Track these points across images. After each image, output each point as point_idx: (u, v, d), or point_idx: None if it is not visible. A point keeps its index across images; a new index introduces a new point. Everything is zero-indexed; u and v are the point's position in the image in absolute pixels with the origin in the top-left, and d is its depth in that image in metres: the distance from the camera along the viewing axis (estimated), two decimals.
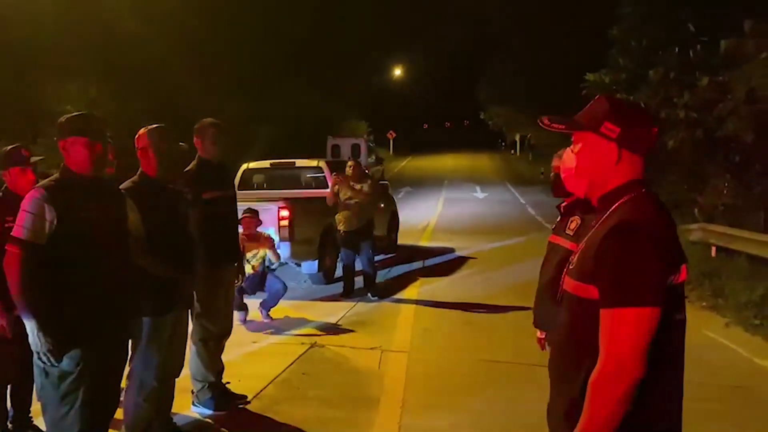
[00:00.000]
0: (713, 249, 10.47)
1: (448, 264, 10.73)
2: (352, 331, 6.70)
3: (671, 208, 15.06)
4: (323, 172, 9.67)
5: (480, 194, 24.55)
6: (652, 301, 1.57)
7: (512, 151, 44.62)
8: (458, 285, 9.14)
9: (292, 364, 5.55)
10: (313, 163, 10.22)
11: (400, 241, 12.28)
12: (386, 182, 12.35)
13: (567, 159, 1.87)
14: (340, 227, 8.17)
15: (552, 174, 3.27)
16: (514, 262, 11.17)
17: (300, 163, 10.16)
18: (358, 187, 8.07)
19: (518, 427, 4.29)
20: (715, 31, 11.15)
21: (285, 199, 8.54)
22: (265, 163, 10.16)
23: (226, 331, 4.55)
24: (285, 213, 8.36)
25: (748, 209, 12.63)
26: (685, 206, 15.05)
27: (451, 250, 12.07)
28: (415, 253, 11.84)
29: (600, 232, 1.68)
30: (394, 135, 44.40)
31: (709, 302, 8.03)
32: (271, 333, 6.61)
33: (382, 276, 9.63)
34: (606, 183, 1.77)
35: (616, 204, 1.73)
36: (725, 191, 14.40)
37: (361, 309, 7.63)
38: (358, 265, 8.33)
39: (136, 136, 3.66)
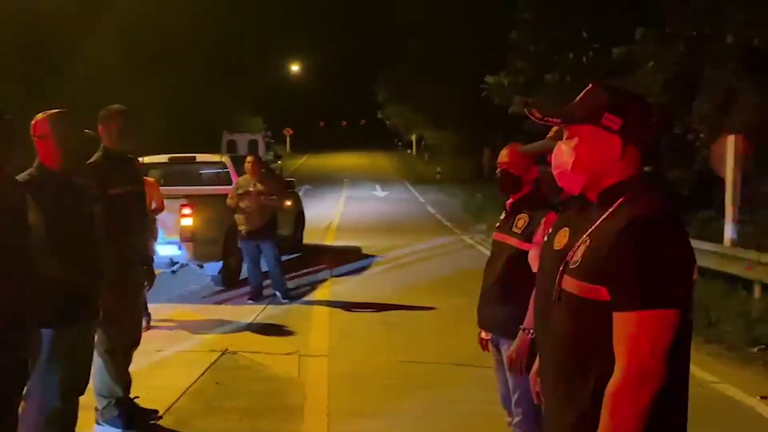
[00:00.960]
0: None
1: (357, 263, 10.57)
2: (264, 335, 6.38)
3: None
4: (227, 168, 9.20)
5: (380, 193, 24.61)
6: (678, 302, 1.47)
7: (408, 151, 45.22)
8: (369, 284, 9.01)
9: (203, 373, 5.18)
10: (216, 158, 9.73)
11: (304, 241, 11.99)
12: (293, 179, 12.00)
13: (560, 154, 1.72)
14: (241, 227, 7.74)
15: (498, 170, 3.16)
16: (421, 260, 11.22)
17: (201, 158, 9.62)
18: (259, 185, 7.64)
19: (457, 429, 4.20)
20: (608, 38, 11.69)
21: (187, 197, 8.04)
22: (162, 158, 9.53)
23: (135, 341, 4.14)
24: (187, 211, 7.87)
25: None
26: None
27: (358, 249, 11.93)
28: (322, 252, 11.61)
29: (610, 229, 1.55)
30: (291, 132, 43.75)
31: None
32: (177, 340, 6.16)
33: (289, 276, 9.35)
34: (607, 178, 1.65)
35: (621, 199, 1.61)
36: None
37: (272, 312, 7.31)
38: (264, 266, 7.97)
39: (33, 122, 3.20)
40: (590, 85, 1.71)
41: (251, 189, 7.62)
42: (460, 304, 7.78)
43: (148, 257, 4.27)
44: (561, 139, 2.36)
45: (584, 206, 2.27)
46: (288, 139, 43.89)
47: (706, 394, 4.79)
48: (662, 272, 1.47)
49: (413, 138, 42.05)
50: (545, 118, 1.71)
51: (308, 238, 12.24)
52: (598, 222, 1.62)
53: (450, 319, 7.19)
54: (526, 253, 2.99)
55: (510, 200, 3.16)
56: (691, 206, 10.57)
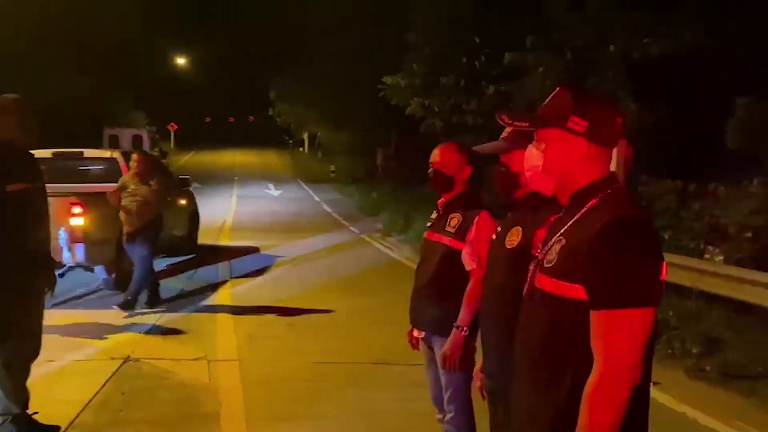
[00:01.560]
0: None
1: (256, 264, 10.32)
2: (167, 341, 6.08)
3: None
4: (119, 165, 8.68)
5: (274, 191, 24.21)
6: (653, 300, 1.53)
7: (300, 149, 44.81)
8: (272, 285, 8.83)
9: (106, 383, 4.85)
10: (107, 153, 9.15)
11: (198, 241, 11.56)
12: (188, 177, 11.51)
13: (531, 157, 1.77)
14: (125, 228, 7.25)
15: (430, 170, 3.18)
16: (322, 259, 11.15)
17: (90, 153, 9.01)
18: (151, 183, 7.21)
19: (383, 429, 4.20)
20: (500, 45, 12.17)
21: (77, 195, 7.50)
22: (46, 153, 8.82)
23: (35, 352, 3.79)
24: (78, 210, 7.35)
25: None
26: None
27: (256, 249, 11.66)
28: (218, 253, 11.23)
29: (586, 229, 1.59)
30: (176, 127, 42.05)
31: None
32: (71, 349, 5.73)
33: (186, 278, 8.98)
34: (577, 179, 1.70)
35: (594, 200, 1.66)
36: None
37: (172, 316, 6.98)
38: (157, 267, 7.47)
39: None
40: (557, 88, 1.75)
41: (133, 187, 7.18)
42: (367, 304, 7.83)
43: (50, 260, 3.93)
44: (512, 141, 2.43)
45: (537, 206, 2.35)
46: (172, 134, 42.15)
47: None
48: (640, 272, 1.53)
49: (305, 136, 41.74)
50: (513, 122, 1.75)
51: (202, 239, 11.82)
52: (571, 222, 1.67)
53: (358, 318, 7.19)
54: (459, 252, 3.03)
55: (442, 200, 3.20)
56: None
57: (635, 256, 1.53)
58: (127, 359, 5.40)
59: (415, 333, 3.28)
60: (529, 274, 1.76)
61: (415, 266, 11.21)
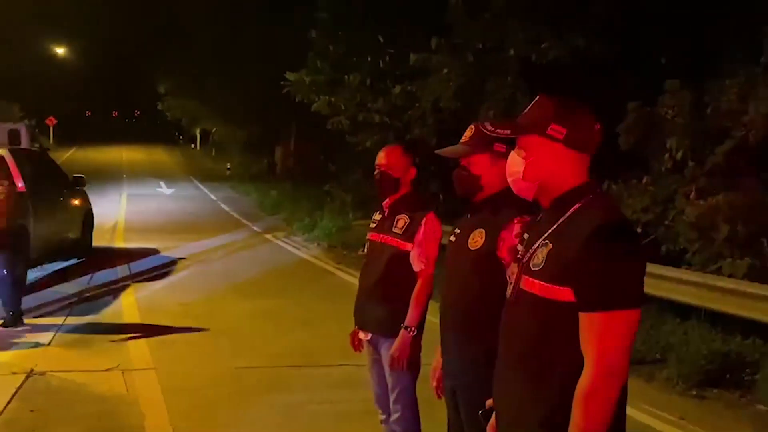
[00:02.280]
0: None
1: (158, 266, 9.88)
2: (74, 352, 5.70)
3: (357, 205, 16.40)
4: (6, 165, 7.99)
5: (166, 190, 23.24)
6: (639, 302, 1.61)
7: (192, 145, 43.26)
8: (178, 288, 8.49)
9: (10, 400, 4.48)
10: None
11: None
12: (81, 176, 10.80)
13: (513, 163, 1.82)
14: None
15: (376, 172, 3.18)
16: (227, 260, 10.87)
17: None
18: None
19: None
20: (404, 45, 12.32)
21: None
22: None
23: None
24: None
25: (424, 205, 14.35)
26: (370, 202, 16.45)
27: (155, 251, 11.16)
28: (115, 255, 10.65)
29: (573, 233, 1.65)
30: (55, 122, 39.33)
31: None
32: None
33: (84, 283, 8.44)
34: (558, 185, 1.75)
35: (576, 205, 1.72)
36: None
37: (75, 325, 6.54)
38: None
39: None
40: (538, 96, 1.81)
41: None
42: (281, 305, 7.72)
43: None
44: (473, 144, 2.47)
45: (498, 208, 2.41)
46: (51, 129, 39.39)
47: None
48: (628, 275, 1.60)
49: (197, 132, 40.33)
50: (496, 130, 1.79)
51: (95, 241, 11.17)
52: (555, 227, 1.72)
53: (273, 320, 7.08)
54: (407, 252, 3.06)
55: (388, 201, 3.21)
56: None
57: (624, 259, 1.61)
58: (30, 373, 5.01)
59: (361, 335, 3.27)
60: (513, 278, 1.81)
61: (324, 265, 11.28)
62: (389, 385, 3.16)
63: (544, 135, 1.74)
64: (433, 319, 3.13)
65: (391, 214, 3.17)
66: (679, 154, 8.13)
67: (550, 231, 1.72)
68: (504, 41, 11.05)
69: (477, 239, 2.38)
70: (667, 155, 8.30)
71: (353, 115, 13.04)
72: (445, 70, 11.51)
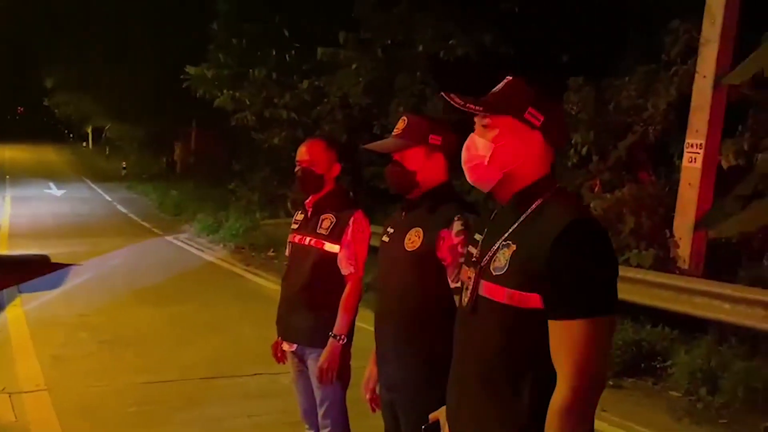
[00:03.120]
0: None
1: (49, 274, 9.08)
2: None
3: (264, 204, 15.96)
4: None
5: (56, 191, 21.67)
6: (615, 307, 1.46)
7: (84, 144, 40.77)
8: (73, 298, 7.81)
9: None
10: None
11: None
12: None
13: (475, 146, 1.60)
14: None
15: (298, 169, 2.93)
16: (127, 265, 10.17)
17: None
18: None
19: None
20: (311, 39, 12.04)
21: None
22: None
23: None
24: None
25: None
26: (278, 200, 16.06)
27: (46, 258, 10.28)
28: None
29: (539, 233, 1.48)
30: None
31: None
32: None
33: None
34: (523, 176, 1.58)
35: (538, 200, 1.56)
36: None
37: None
38: None
39: None
40: (509, 77, 1.62)
41: None
42: (187, 312, 7.27)
43: None
44: (406, 138, 2.27)
45: (435, 206, 2.22)
46: None
47: None
48: (603, 278, 1.46)
49: (89, 130, 38.01)
50: (466, 105, 1.58)
51: None
52: (516, 225, 1.55)
53: (180, 329, 6.64)
54: (334, 255, 2.84)
55: (310, 200, 2.97)
56: (387, 200, 11.53)
57: (598, 261, 1.46)
58: None
59: (285, 346, 3.01)
60: (469, 283, 1.62)
61: (231, 267, 10.80)
62: (317, 399, 2.93)
63: (520, 118, 1.56)
64: (361, 324, 2.94)
65: (314, 213, 2.94)
66: (584, 149, 8.35)
67: (511, 230, 1.55)
68: (413, 37, 11.01)
69: (414, 239, 2.19)
70: (572, 150, 8.52)
71: (259, 111, 12.60)
72: (354, 65, 11.34)
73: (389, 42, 11.23)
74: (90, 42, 21.62)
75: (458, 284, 2.08)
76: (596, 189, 8.26)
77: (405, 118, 2.28)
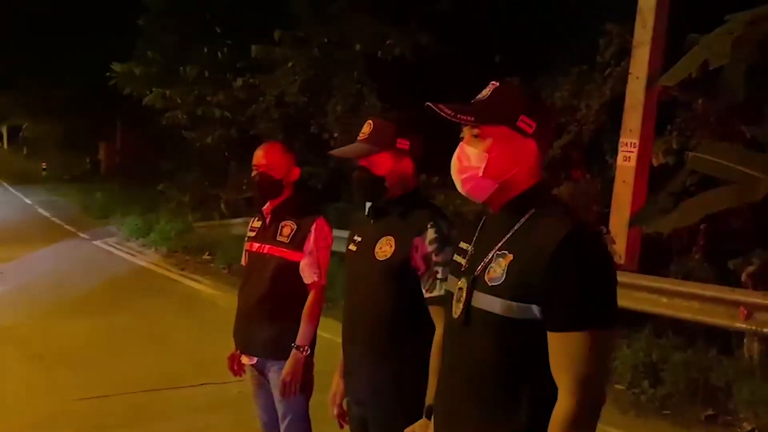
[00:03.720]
0: None
1: None
2: None
3: (196, 206, 15.53)
4: None
5: None
6: (616, 318, 1.44)
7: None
8: None
9: None
10: None
11: None
12: None
13: (466, 158, 1.55)
14: None
15: (255, 174, 2.81)
16: (54, 273, 9.64)
17: None
18: None
19: None
20: (245, 36, 11.76)
21: None
22: None
23: None
24: None
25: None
26: (210, 202, 15.66)
27: None
28: None
29: (537, 242, 1.45)
30: None
31: None
32: None
33: None
34: (517, 185, 1.54)
35: (533, 209, 1.52)
36: (245, 187, 15.56)
37: None
38: None
39: None
40: (496, 83, 1.57)
41: None
42: (124, 321, 6.97)
43: None
44: (373, 143, 2.19)
45: (406, 213, 2.16)
46: None
47: None
48: (605, 288, 1.44)
49: (4, 129, 35.95)
50: (457, 116, 1.52)
51: None
52: (510, 234, 1.52)
53: (117, 339, 6.35)
54: (296, 263, 2.74)
55: (268, 206, 2.86)
56: (326, 199, 11.43)
57: (600, 272, 1.44)
58: None
59: (245, 359, 2.88)
60: (461, 294, 1.57)
61: (165, 272, 10.43)
62: (280, 413, 2.83)
63: (513, 127, 1.52)
64: (323, 334, 2.86)
65: (273, 220, 2.83)
66: None
67: (505, 239, 1.51)
68: (350, 36, 10.93)
69: (385, 248, 2.12)
70: None
71: (191, 110, 12.23)
72: (290, 64, 11.17)
73: (326, 40, 11.11)
74: (6, 36, 20.43)
75: (432, 294, 2.05)
76: None
77: (370, 121, 2.21)
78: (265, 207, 2.88)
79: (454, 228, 2.10)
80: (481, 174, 1.53)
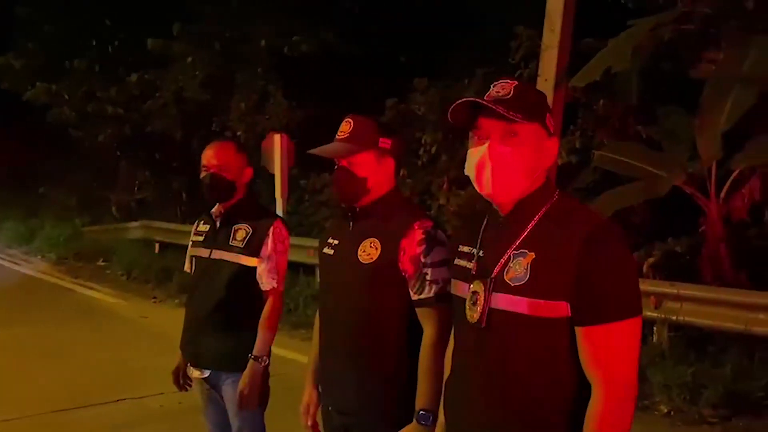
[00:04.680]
0: (157, 246, 10.55)
1: None
2: None
3: (83, 209, 14.56)
4: None
5: None
6: (641, 306, 1.45)
7: None
8: None
9: None
10: None
11: None
12: None
13: (497, 156, 1.50)
14: None
15: (205, 175, 2.60)
16: None
17: None
18: None
19: None
20: (141, 29, 11.14)
21: None
22: None
23: None
24: None
25: (167, 204, 13.29)
26: (101, 204, 14.76)
27: None
28: None
29: (560, 238, 1.44)
30: None
31: None
32: None
33: None
34: (532, 183, 1.53)
35: (546, 206, 1.51)
36: (137, 188, 14.78)
37: None
38: None
39: None
40: (514, 81, 1.53)
41: None
42: (17, 336, 6.43)
43: None
44: (355, 142, 2.08)
45: (389, 214, 2.07)
46: None
47: None
48: (632, 278, 1.45)
49: None
50: (510, 112, 1.45)
51: None
52: (527, 232, 1.49)
53: (17, 357, 5.79)
54: (252, 269, 2.58)
55: (219, 209, 2.67)
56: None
57: (624, 263, 1.46)
58: None
59: (196, 373, 2.68)
60: (478, 298, 1.52)
61: (58, 281, 9.72)
62: (234, 427, 2.65)
63: (543, 124, 1.52)
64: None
65: (225, 224, 2.64)
66: (434, 149, 8.64)
67: (522, 238, 1.49)
68: (254, 31, 10.65)
69: (370, 251, 2.03)
70: (422, 150, 8.77)
71: (80, 106, 11.43)
72: (190, 59, 10.72)
73: (228, 36, 10.76)
74: None
75: (421, 296, 1.98)
76: (444, 186, 8.58)
77: (350, 120, 2.11)
78: (214, 210, 2.69)
79: (440, 228, 2.05)
80: (516, 171, 1.50)
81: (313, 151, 2.13)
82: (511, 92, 1.51)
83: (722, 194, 5.82)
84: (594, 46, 6.88)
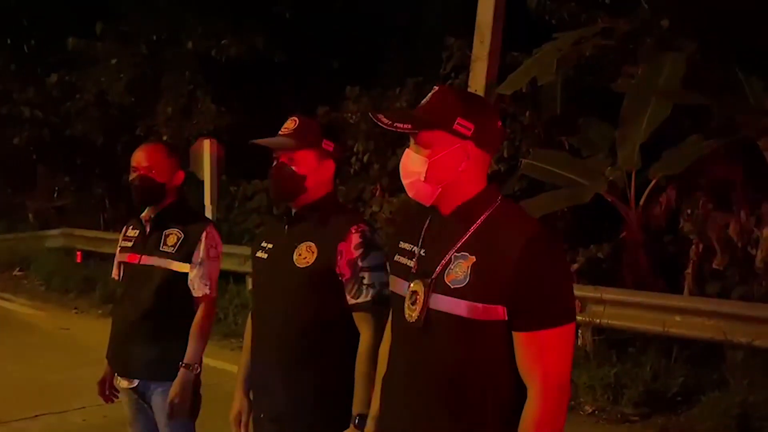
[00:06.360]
0: (78, 254, 10.09)
1: None
2: None
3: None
4: None
5: None
6: (575, 312, 1.49)
7: None
8: None
9: None
10: None
11: None
12: None
13: (411, 163, 1.54)
14: None
15: (134, 176, 2.52)
16: None
17: None
18: None
19: None
20: (59, 28, 10.68)
21: None
22: None
23: None
24: None
25: (88, 211, 12.78)
26: (15, 211, 14.07)
27: None
28: None
29: (500, 244, 1.46)
30: None
31: None
32: None
33: None
34: (464, 188, 1.54)
35: (487, 212, 1.53)
36: (56, 194, 14.15)
37: None
38: None
39: None
40: (436, 88, 1.58)
41: None
42: None
43: None
44: (298, 138, 2.07)
45: (327, 216, 2.07)
46: None
47: None
48: (568, 286, 1.50)
49: None
50: (394, 124, 1.50)
51: None
52: (467, 236, 1.51)
53: None
54: (183, 275, 2.51)
55: (149, 213, 2.59)
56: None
57: (561, 271, 1.51)
58: None
59: (123, 383, 2.58)
60: (416, 297, 1.54)
61: None
62: None
63: (450, 130, 1.52)
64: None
65: (155, 229, 2.56)
66: (365, 157, 8.67)
67: (463, 240, 1.51)
68: (180, 34, 10.41)
69: (306, 255, 2.02)
70: (354, 158, 8.79)
71: None
72: (114, 60, 10.36)
73: (154, 37, 10.46)
74: None
75: (358, 300, 1.99)
76: (377, 193, 8.63)
77: (295, 118, 2.09)
78: (143, 214, 2.61)
79: (377, 232, 2.06)
80: (423, 179, 1.53)
81: (258, 140, 2.09)
82: (429, 99, 1.56)
83: (641, 202, 6.08)
84: (519, 60, 7.12)
